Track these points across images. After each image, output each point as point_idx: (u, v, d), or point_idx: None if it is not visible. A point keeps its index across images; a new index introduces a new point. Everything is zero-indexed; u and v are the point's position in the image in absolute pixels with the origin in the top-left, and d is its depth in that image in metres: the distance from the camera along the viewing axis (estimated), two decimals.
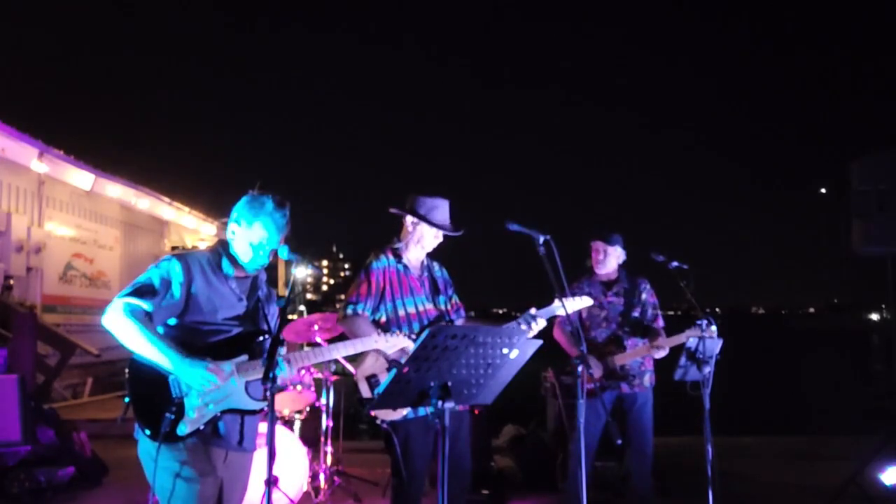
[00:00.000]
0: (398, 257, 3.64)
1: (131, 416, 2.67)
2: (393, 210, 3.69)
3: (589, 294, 4.36)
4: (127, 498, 5.45)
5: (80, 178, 11.92)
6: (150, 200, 14.57)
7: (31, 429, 5.43)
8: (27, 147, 10.31)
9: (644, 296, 4.74)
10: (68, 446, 5.75)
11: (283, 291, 3.30)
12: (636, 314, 4.70)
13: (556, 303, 3.56)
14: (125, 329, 2.60)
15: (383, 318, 3.54)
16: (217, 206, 17.80)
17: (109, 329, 2.64)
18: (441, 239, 3.66)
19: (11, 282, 9.79)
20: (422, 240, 3.63)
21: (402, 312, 3.54)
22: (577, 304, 3.84)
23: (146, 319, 2.63)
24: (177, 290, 2.71)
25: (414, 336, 3.32)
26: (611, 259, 4.70)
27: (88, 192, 12.23)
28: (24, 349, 8.28)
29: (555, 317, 3.70)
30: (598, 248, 4.70)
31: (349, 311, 3.50)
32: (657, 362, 4.67)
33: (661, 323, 4.74)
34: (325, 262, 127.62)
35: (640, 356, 4.58)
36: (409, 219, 3.64)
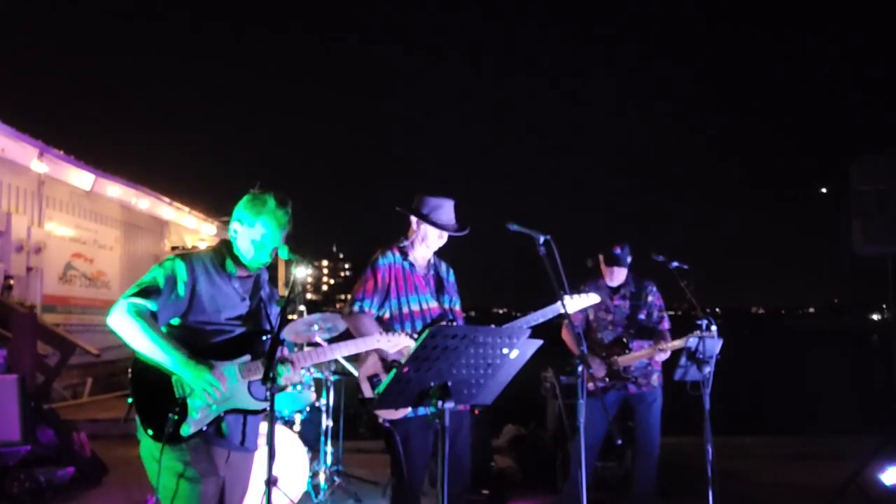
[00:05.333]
0: (404, 255, 3.64)
1: (134, 416, 2.67)
2: (398, 209, 3.70)
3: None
4: (127, 498, 5.45)
5: (80, 178, 11.91)
6: (150, 200, 14.56)
7: (31, 429, 5.43)
8: (27, 147, 10.29)
9: (650, 298, 4.78)
10: (68, 446, 5.75)
11: (284, 291, 3.30)
12: (642, 317, 4.73)
13: (558, 302, 3.54)
14: (130, 329, 2.59)
15: (386, 315, 3.54)
16: (217, 206, 17.81)
17: (115, 329, 2.63)
18: (445, 239, 3.66)
19: (11, 282, 9.77)
20: (426, 239, 3.63)
21: (405, 310, 3.54)
22: (581, 301, 3.84)
23: (151, 320, 2.63)
24: (181, 290, 2.71)
25: (415, 336, 3.31)
26: (623, 272, 4.74)
27: (88, 192, 12.22)
28: (24, 349, 8.27)
29: (565, 317, 3.68)
30: (613, 271, 4.72)
31: (355, 308, 3.51)
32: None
33: (666, 325, 4.76)
34: (325, 262, 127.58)
35: (643, 358, 4.60)
36: (413, 218, 3.65)
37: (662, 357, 4.52)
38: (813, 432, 8.82)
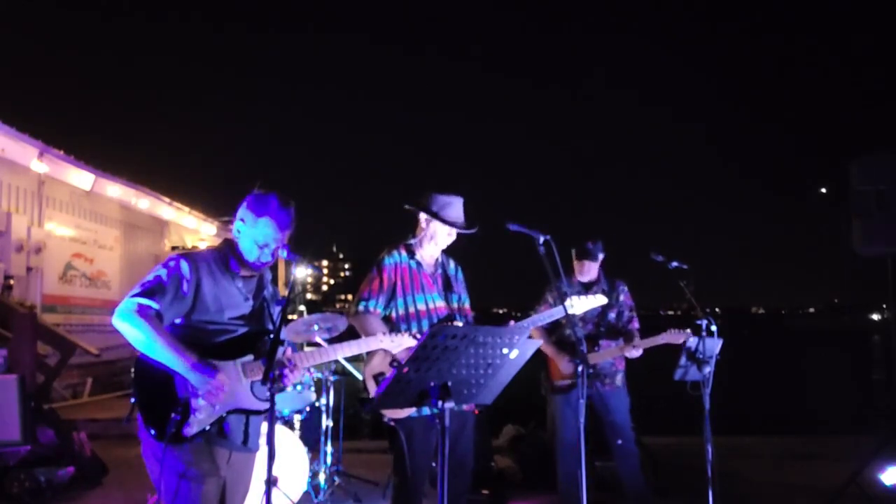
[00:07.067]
0: (411, 253, 3.65)
1: (136, 415, 2.67)
2: (407, 206, 3.69)
3: (566, 294, 4.39)
4: (127, 498, 5.45)
5: (80, 178, 11.90)
6: (150, 200, 14.55)
7: (31, 429, 5.42)
8: (27, 147, 10.29)
9: (621, 298, 4.80)
10: (68, 446, 5.75)
11: (284, 291, 3.30)
12: (612, 315, 4.74)
13: (568, 302, 3.54)
14: (135, 329, 2.59)
15: (393, 314, 3.54)
16: (217, 206, 17.80)
17: (119, 329, 2.62)
18: (454, 237, 3.66)
19: (11, 282, 9.77)
20: (435, 236, 3.63)
21: (412, 309, 3.54)
22: (588, 302, 3.83)
23: (156, 319, 2.62)
24: (185, 290, 2.70)
25: (418, 336, 3.31)
26: (594, 268, 4.73)
27: (88, 192, 12.21)
28: (24, 349, 8.26)
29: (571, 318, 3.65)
30: (584, 265, 4.72)
31: (361, 307, 3.51)
32: (651, 362, 4.69)
33: (636, 325, 4.80)
34: (325, 262, 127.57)
35: (612, 356, 4.62)
36: (422, 215, 3.64)
37: (635, 354, 4.52)
38: (813, 432, 8.82)
